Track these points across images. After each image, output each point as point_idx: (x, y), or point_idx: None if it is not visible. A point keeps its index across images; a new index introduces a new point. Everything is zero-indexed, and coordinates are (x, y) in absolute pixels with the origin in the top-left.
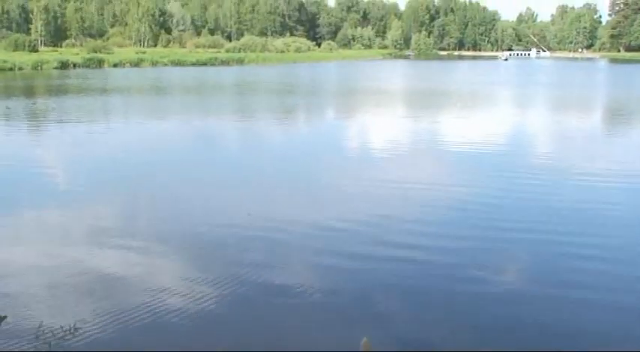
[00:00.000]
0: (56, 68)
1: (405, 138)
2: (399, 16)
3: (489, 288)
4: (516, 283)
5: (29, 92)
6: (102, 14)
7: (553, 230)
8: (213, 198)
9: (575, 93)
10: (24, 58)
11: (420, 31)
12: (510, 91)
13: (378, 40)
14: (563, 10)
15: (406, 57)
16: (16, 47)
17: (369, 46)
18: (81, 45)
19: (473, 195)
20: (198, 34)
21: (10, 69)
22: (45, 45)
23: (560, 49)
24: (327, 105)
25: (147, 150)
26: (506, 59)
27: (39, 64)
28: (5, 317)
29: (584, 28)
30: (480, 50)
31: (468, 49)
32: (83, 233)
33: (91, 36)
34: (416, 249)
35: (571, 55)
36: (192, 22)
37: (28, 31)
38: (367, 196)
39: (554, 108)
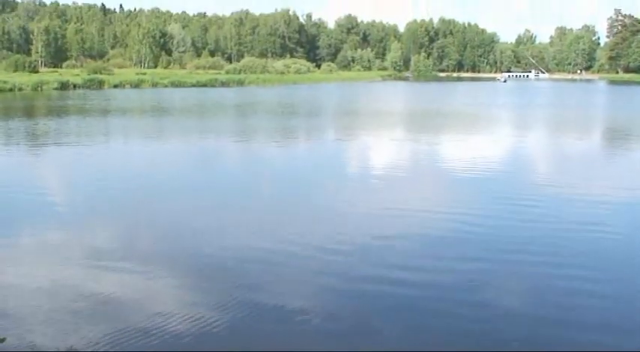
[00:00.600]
0: (56, 89)
1: (405, 161)
2: (398, 37)
3: (489, 312)
4: (515, 306)
5: (29, 113)
6: (102, 35)
7: (551, 253)
8: (213, 221)
9: (575, 115)
10: (24, 79)
11: (419, 53)
12: (510, 113)
13: (378, 61)
14: (562, 32)
15: (405, 78)
16: (17, 68)
17: (369, 68)
18: (81, 66)
19: (471, 218)
20: (199, 55)
21: (11, 90)
22: (45, 66)
23: (559, 71)
24: (327, 126)
25: (146, 172)
26: (505, 81)
27: (39, 84)
28: (4, 338)
29: (583, 49)
30: (479, 72)
31: (467, 71)
32: (82, 255)
33: (92, 57)
34: (415, 272)
35: (570, 76)
36: (193, 43)
37: (28, 52)
38: (367, 219)
39: (554, 129)
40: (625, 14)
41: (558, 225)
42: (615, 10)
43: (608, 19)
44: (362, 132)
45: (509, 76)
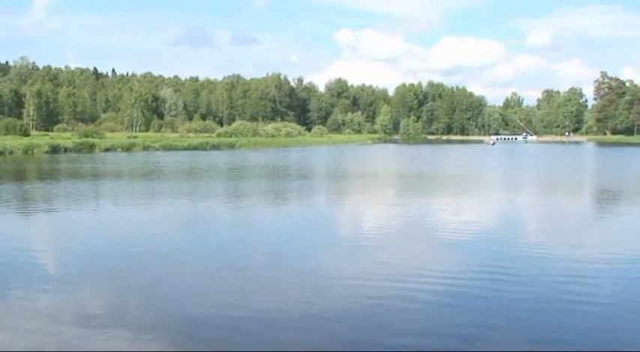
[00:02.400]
0: (47, 152)
1: (396, 223)
2: (388, 101)
3: None
4: None
5: (19, 176)
6: (94, 99)
7: (538, 317)
8: (204, 284)
9: (565, 177)
10: (15, 142)
11: (408, 116)
12: (501, 175)
13: (368, 124)
14: (549, 95)
15: (395, 141)
16: (8, 131)
17: (359, 131)
18: (73, 129)
19: (459, 281)
20: (191, 118)
21: (1, 153)
22: (36, 129)
23: (547, 133)
24: (317, 189)
25: (137, 235)
26: (493, 144)
27: (30, 148)
28: None
29: (571, 112)
30: (467, 134)
31: (456, 134)
32: (70, 321)
33: (83, 120)
34: (407, 337)
35: (558, 138)
36: (185, 107)
37: (20, 115)
38: (356, 281)
39: (545, 192)
40: (611, 77)
41: (548, 289)
42: (601, 72)
43: (594, 81)
44: (352, 195)
45: (497, 138)
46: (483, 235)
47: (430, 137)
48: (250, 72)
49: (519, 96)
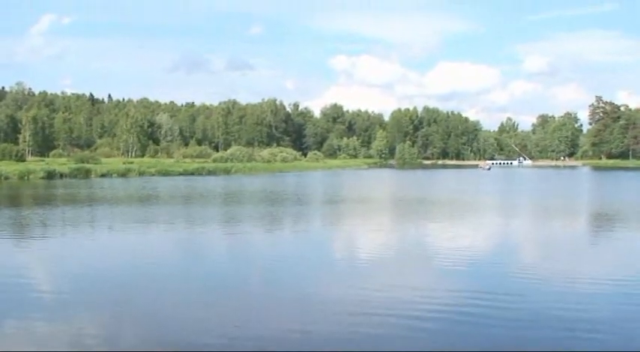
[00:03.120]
0: (43, 178)
1: (391, 248)
2: (383, 126)
3: None
4: None
5: (15, 202)
6: (90, 125)
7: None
8: (201, 311)
9: (562, 201)
10: (11, 168)
11: (404, 141)
12: (498, 200)
13: (364, 149)
14: (544, 120)
15: (391, 166)
16: (4, 156)
17: (355, 156)
18: (68, 155)
19: (456, 308)
20: (186, 144)
21: None
22: (32, 154)
23: (542, 158)
24: (312, 214)
25: (134, 263)
26: (489, 169)
27: (26, 173)
28: None
29: (566, 136)
30: (463, 159)
31: (452, 159)
32: (65, 348)
33: (79, 146)
34: None
35: (554, 163)
36: (181, 132)
37: (16, 141)
38: (353, 308)
39: (543, 217)
40: (606, 101)
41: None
42: (596, 97)
43: (589, 106)
44: (348, 221)
45: (492, 163)
46: (486, 262)
47: (426, 162)
48: (246, 97)
49: (514, 121)
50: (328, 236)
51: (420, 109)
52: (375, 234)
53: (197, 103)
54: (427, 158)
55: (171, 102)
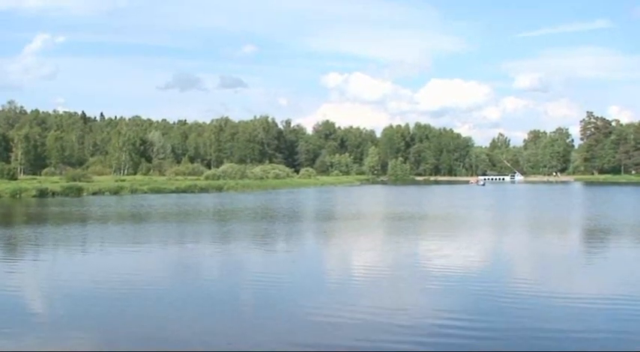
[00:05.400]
0: (35, 196)
1: (384, 265)
2: (375, 142)
3: None
4: None
5: (7, 221)
6: (82, 143)
7: None
8: (192, 328)
9: (556, 217)
10: (2, 186)
11: (396, 157)
12: (502, 216)
13: (356, 166)
14: (536, 135)
15: (383, 182)
16: None
17: (347, 172)
18: (60, 173)
19: (452, 329)
20: (179, 161)
21: None
22: (24, 173)
23: (534, 173)
24: (305, 231)
25: (127, 281)
26: (483, 184)
27: (17, 192)
28: None
29: (558, 152)
30: (455, 175)
31: (444, 175)
32: None
33: (71, 164)
34: None
35: (546, 178)
36: (173, 150)
37: (7, 160)
38: (344, 321)
39: (539, 232)
40: (597, 117)
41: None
42: (587, 112)
43: (581, 121)
44: (341, 238)
45: (484, 179)
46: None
47: (418, 178)
48: (238, 115)
49: (506, 137)
50: (321, 253)
51: (412, 126)
52: (367, 251)
53: (189, 121)
54: (419, 174)
55: (164, 119)
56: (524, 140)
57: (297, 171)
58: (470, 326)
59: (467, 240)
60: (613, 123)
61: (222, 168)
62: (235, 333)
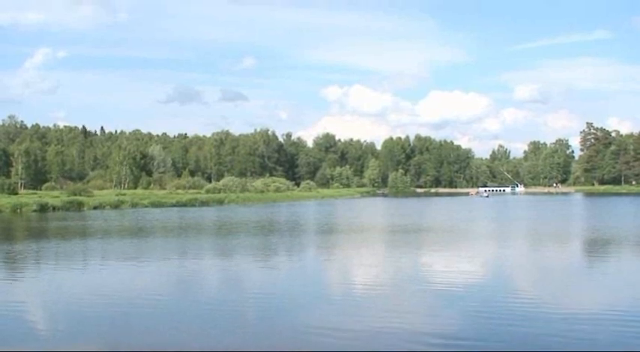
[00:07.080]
0: (35, 211)
1: (385, 278)
2: (376, 155)
3: None
4: None
5: (8, 235)
6: (83, 157)
7: None
8: (193, 343)
9: (559, 228)
10: (3, 201)
11: (396, 170)
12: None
13: (356, 178)
14: (536, 147)
15: (384, 195)
16: None
17: (348, 185)
18: (61, 188)
19: (449, 335)
20: (179, 175)
21: None
22: (25, 187)
23: (534, 185)
24: (306, 245)
25: (126, 295)
26: (487, 196)
27: (18, 206)
28: None
29: (558, 163)
30: (455, 187)
31: (445, 187)
32: None
33: (72, 179)
34: None
35: (546, 190)
36: (173, 163)
37: (8, 174)
38: (348, 335)
39: (541, 244)
40: (597, 127)
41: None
42: (587, 123)
43: (581, 132)
44: (342, 251)
45: (485, 190)
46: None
47: (418, 190)
48: (239, 128)
49: (506, 149)
50: (322, 267)
51: (412, 138)
52: (368, 265)
53: (190, 134)
54: (420, 186)
55: (164, 133)
56: (525, 151)
57: (297, 184)
58: (470, 340)
59: (471, 253)
60: (613, 134)
61: (223, 181)
62: (238, 347)
